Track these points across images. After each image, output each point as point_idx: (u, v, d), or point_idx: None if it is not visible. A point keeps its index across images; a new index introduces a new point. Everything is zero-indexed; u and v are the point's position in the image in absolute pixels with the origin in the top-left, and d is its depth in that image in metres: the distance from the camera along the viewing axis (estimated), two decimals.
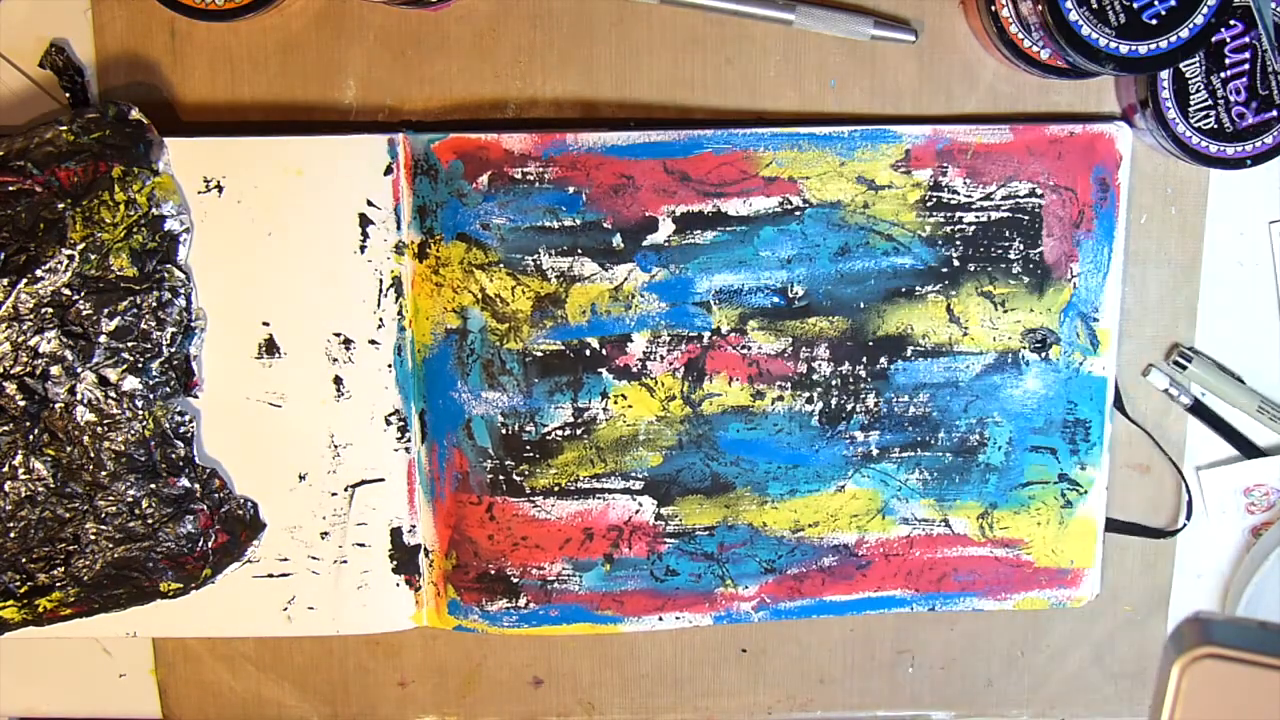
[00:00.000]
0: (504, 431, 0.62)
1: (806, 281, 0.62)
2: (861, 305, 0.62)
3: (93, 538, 0.61)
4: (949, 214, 0.61)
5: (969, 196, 0.61)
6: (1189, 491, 0.65)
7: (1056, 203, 0.61)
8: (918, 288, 0.62)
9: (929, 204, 0.61)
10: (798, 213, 0.61)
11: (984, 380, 0.63)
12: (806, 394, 0.63)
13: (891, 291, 0.62)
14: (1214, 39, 0.57)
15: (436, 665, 0.68)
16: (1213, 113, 0.58)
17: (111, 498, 0.60)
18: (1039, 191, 0.61)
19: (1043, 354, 0.62)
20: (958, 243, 0.61)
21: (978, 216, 0.61)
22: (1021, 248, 0.61)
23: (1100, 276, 0.62)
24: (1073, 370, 0.62)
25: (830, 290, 0.62)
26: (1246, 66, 0.58)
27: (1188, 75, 0.58)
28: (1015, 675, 0.68)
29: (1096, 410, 0.63)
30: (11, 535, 0.60)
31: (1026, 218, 0.61)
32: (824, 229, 0.61)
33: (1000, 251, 0.61)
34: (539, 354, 0.62)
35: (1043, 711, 0.69)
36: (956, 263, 0.61)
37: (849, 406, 0.63)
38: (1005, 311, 0.62)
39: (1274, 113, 0.58)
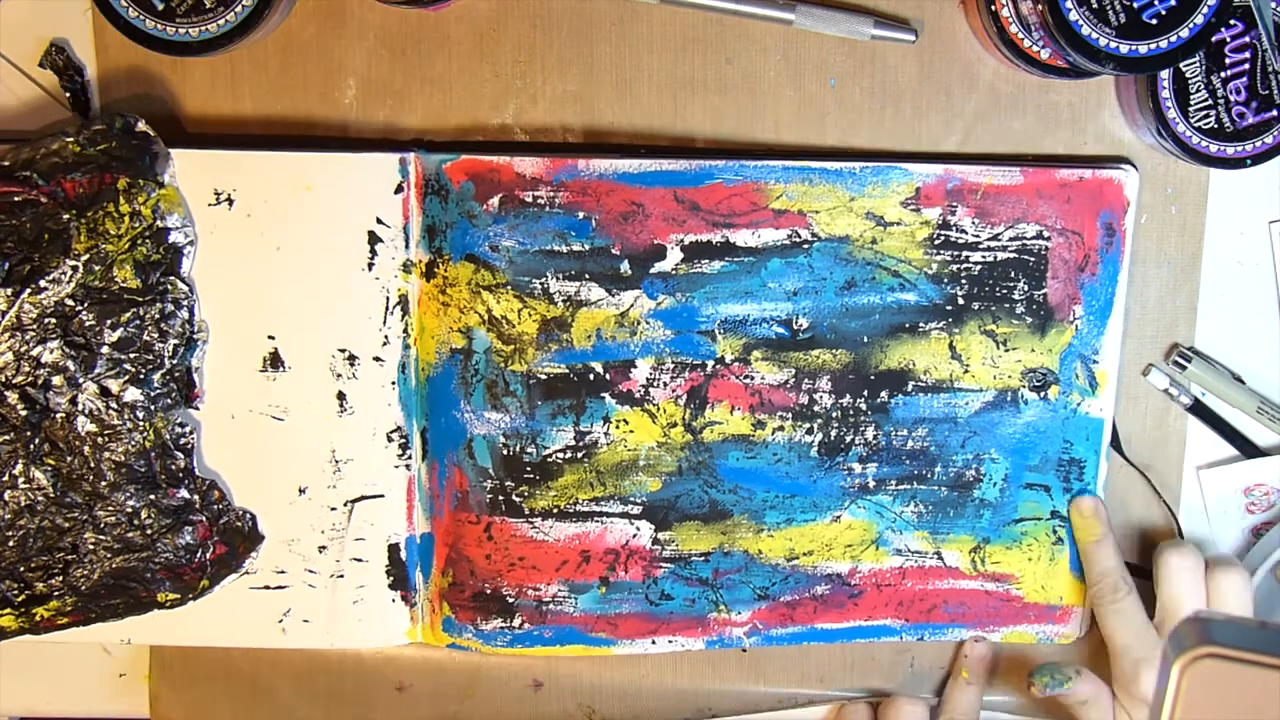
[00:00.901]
0: (505, 452, 0.62)
1: (811, 314, 0.62)
2: (865, 339, 0.62)
3: (91, 547, 0.61)
4: (956, 252, 0.61)
5: (977, 236, 0.61)
6: (1179, 525, 0.66)
7: (1063, 245, 0.61)
8: (921, 324, 0.62)
9: (937, 242, 0.61)
10: (806, 246, 0.61)
11: (982, 417, 0.63)
12: (807, 425, 0.63)
13: (895, 327, 0.62)
14: (1214, 39, 0.56)
15: (435, 669, 0.68)
16: (1213, 112, 0.58)
17: (111, 508, 0.60)
18: (1046, 234, 0.61)
19: (1041, 393, 0.63)
20: (963, 281, 0.62)
21: (984, 256, 0.62)
22: (1026, 288, 0.62)
23: (1102, 320, 0.62)
24: (1070, 410, 0.63)
25: (835, 324, 0.62)
26: (1246, 66, 0.58)
27: (1188, 75, 0.58)
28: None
29: (1092, 450, 0.64)
30: (10, 544, 0.60)
31: (1032, 259, 0.62)
32: (831, 263, 0.61)
33: (1005, 291, 0.62)
34: (543, 376, 0.62)
35: (1043, 711, 0.69)
36: (961, 301, 0.62)
37: (848, 438, 0.63)
38: (1006, 350, 0.63)
39: (1274, 112, 0.58)
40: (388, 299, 0.61)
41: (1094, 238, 0.61)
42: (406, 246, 0.61)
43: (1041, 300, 0.62)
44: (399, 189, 0.60)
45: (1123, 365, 0.65)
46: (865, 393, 0.63)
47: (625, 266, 0.61)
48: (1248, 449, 0.66)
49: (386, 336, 0.61)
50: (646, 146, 0.62)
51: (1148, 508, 0.67)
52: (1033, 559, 0.65)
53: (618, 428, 0.63)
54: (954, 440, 0.63)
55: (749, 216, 0.61)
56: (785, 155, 0.62)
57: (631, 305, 0.61)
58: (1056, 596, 0.65)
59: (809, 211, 0.61)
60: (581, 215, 0.60)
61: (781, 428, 0.63)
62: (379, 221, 0.60)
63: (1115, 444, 0.65)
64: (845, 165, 0.60)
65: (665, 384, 0.62)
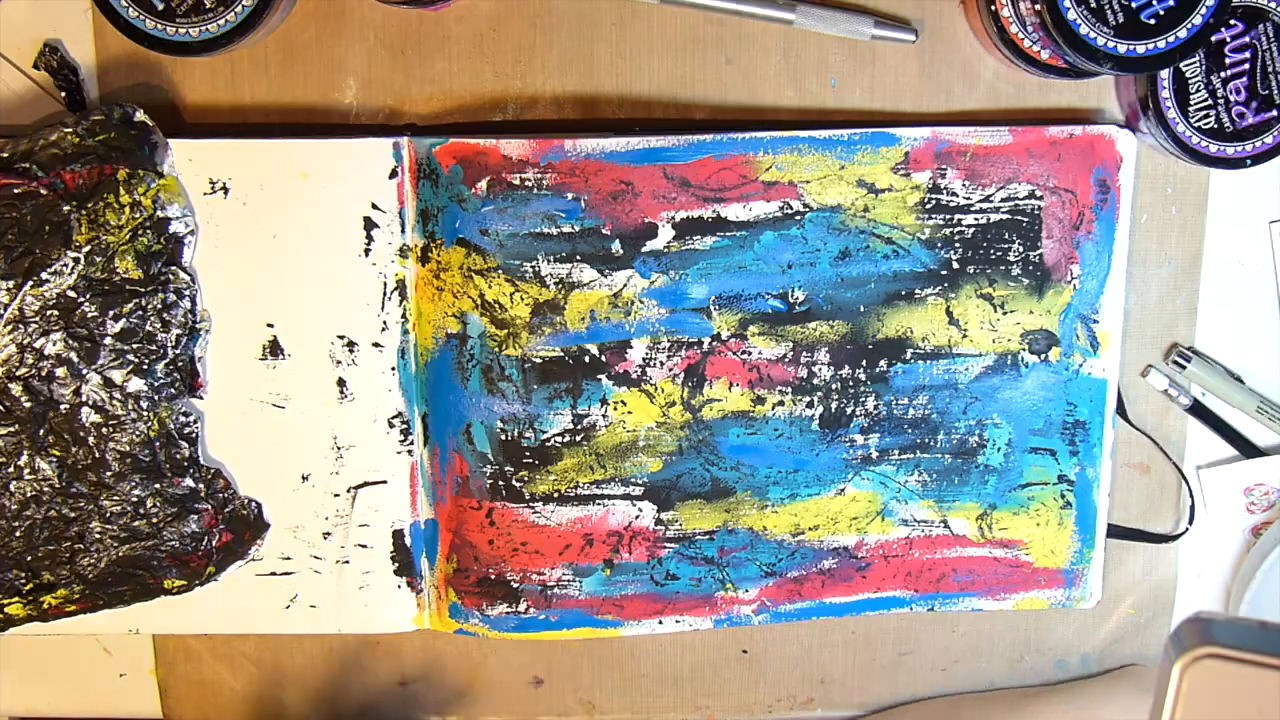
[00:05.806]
0: (503, 437, 0.63)
1: (807, 286, 0.62)
2: (862, 309, 0.62)
3: (98, 537, 0.61)
4: (948, 216, 0.61)
5: (968, 198, 0.61)
6: (1192, 496, 0.65)
7: (1056, 204, 0.61)
8: (917, 290, 0.62)
9: (928, 206, 0.61)
10: (798, 217, 0.61)
11: (983, 382, 0.63)
12: (807, 398, 0.63)
13: (891, 295, 0.62)
14: (1214, 39, 0.57)
15: (436, 665, 0.68)
16: (1213, 112, 0.58)
17: (116, 497, 0.61)
18: (1038, 193, 0.61)
19: (1042, 356, 0.62)
20: (957, 245, 0.61)
21: (977, 219, 0.61)
22: (1021, 249, 0.61)
23: (1100, 278, 0.62)
24: (1072, 372, 0.62)
25: (830, 294, 0.62)
26: (1246, 66, 0.58)
27: (1188, 75, 0.58)
28: (1017, 677, 0.68)
29: (1096, 411, 0.63)
30: (17, 534, 0.61)
31: (1026, 219, 0.61)
32: (824, 233, 0.61)
33: (1000, 253, 0.62)
34: (538, 360, 0.62)
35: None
36: (956, 265, 0.62)
37: (849, 410, 0.63)
38: (1005, 313, 0.62)
39: (1274, 112, 0.58)
40: (385, 284, 0.62)
41: (1088, 195, 0.61)
42: (402, 231, 0.61)
43: (1037, 261, 0.62)
44: (393, 173, 0.61)
45: (1122, 366, 0.64)
46: (864, 363, 0.62)
47: (617, 246, 0.61)
48: (1247, 449, 0.65)
49: (385, 322, 0.62)
50: (639, 121, 0.62)
51: (1155, 474, 0.66)
52: (1040, 524, 0.64)
53: (615, 409, 0.62)
54: (955, 407, 0.63)
55: (739, 190, 0.61)
56: (773, 124, 0.62)
57: (624, 285, 0.62)
58: (1066, 560, 0.64)
59: (799, 182, 0.61)
60: (570, 196, 0.61)
61: (781, 402, 0.63)
62: (374, 207, 0.61)
63: (1120, 409, 0.64)
64: (833, 133, 0.60)
65: (662, 363, 0.62)
